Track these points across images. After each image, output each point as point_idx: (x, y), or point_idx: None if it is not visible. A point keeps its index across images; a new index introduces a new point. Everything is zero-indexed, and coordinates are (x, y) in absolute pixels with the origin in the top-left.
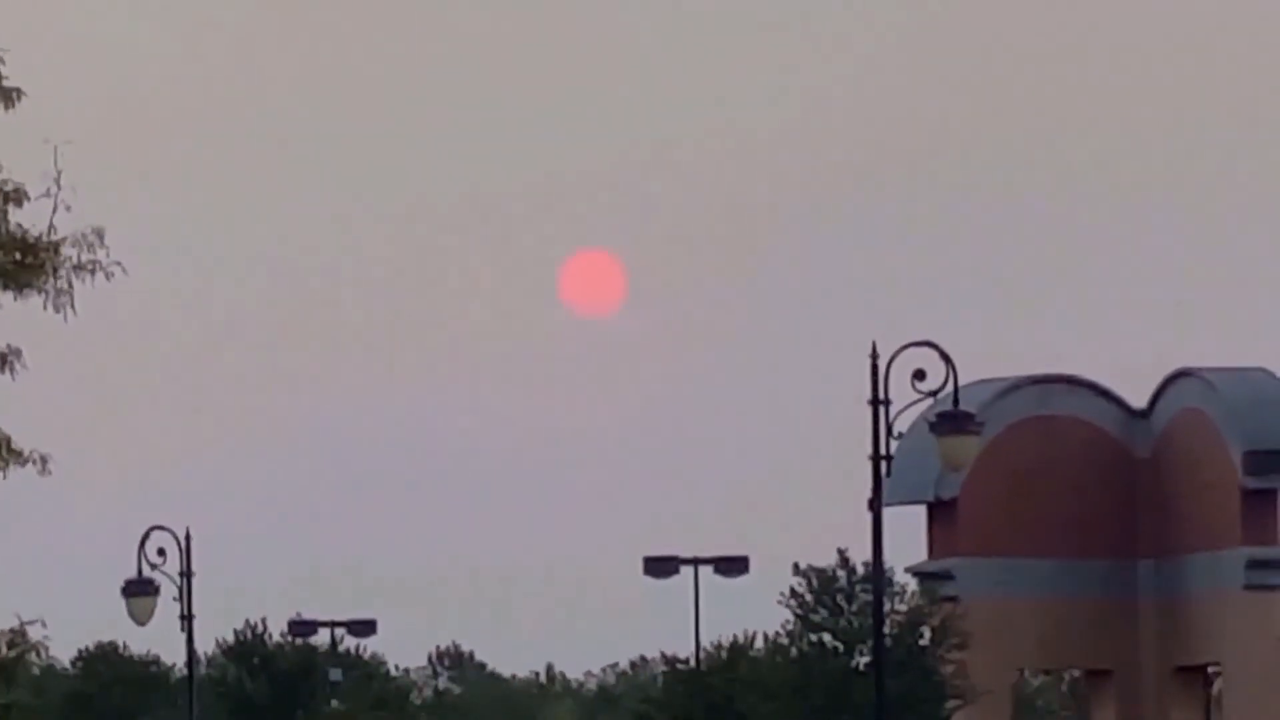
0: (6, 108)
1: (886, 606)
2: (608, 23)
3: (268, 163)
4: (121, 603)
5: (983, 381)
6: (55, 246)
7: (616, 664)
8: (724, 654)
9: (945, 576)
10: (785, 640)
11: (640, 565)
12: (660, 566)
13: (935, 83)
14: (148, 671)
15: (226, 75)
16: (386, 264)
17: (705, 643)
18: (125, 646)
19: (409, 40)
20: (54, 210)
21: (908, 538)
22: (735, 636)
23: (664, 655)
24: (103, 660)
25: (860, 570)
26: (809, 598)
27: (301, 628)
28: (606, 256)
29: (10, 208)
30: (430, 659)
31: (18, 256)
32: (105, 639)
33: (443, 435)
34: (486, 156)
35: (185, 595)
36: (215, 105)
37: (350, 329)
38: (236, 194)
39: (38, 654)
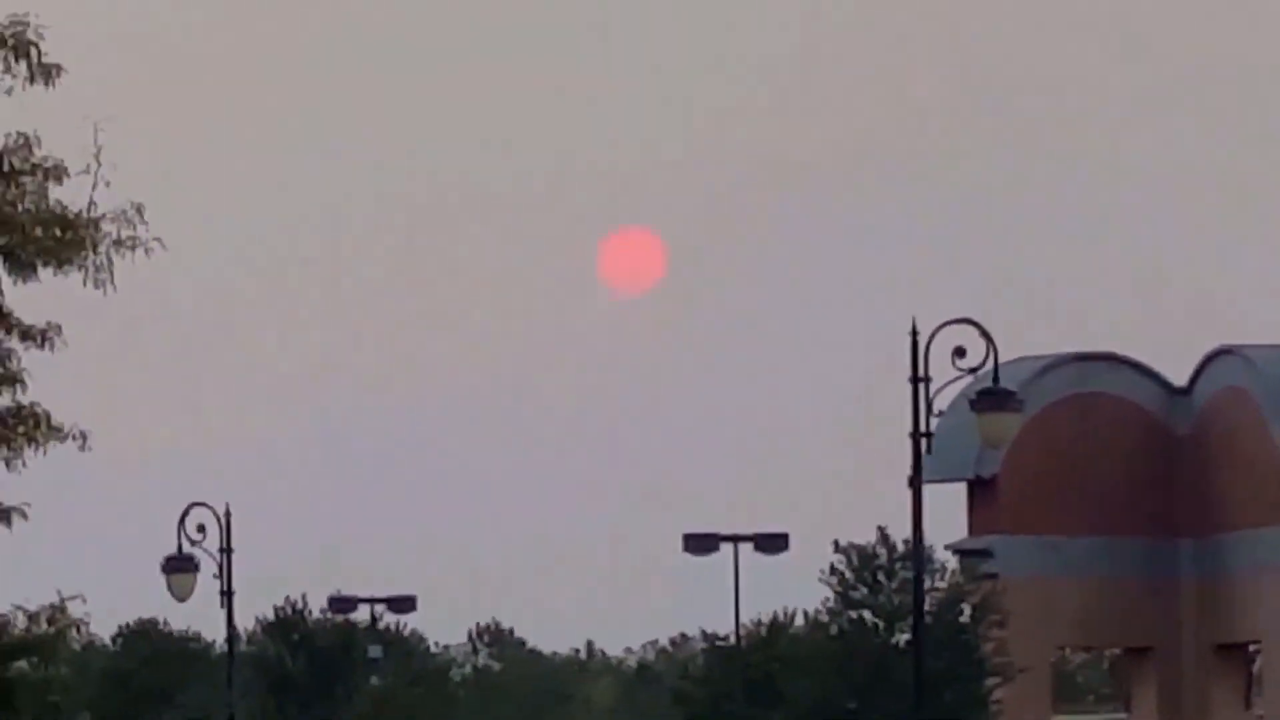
0: (46, 84)
1: (927, 584)
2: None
3: (307, 140)
4: (161, 579)
5: (1023, 359)
6: (95, 223)
7: (656, 641)
8: (764, 631)
9: (985, 554)
10: (825, 618)
11: (680, 542)
12: (700, 543)
13: (974, 62)
14: (187, 648)
15: (266, 50)
16: (425, 242)
17: (745, 620)
18: (165, 623)
19: (445, 20)
20: (94, 186)
21: (948, 515)
22: (775, 614)
23: (704, 632)
24: (143, 637)
25: (900, 547)
26: (849, 575)
27: (341, 604)
28: (646, 234)
29: (50, 184)
30: (470, 636)
31: (58, 232)
32: (145, 615)
33: (483, 412)
34: (522, 139)
35: (225, 572)
36: (255, 80)
37: (388, 307)
38: (277, 171)
39: (78, 630)
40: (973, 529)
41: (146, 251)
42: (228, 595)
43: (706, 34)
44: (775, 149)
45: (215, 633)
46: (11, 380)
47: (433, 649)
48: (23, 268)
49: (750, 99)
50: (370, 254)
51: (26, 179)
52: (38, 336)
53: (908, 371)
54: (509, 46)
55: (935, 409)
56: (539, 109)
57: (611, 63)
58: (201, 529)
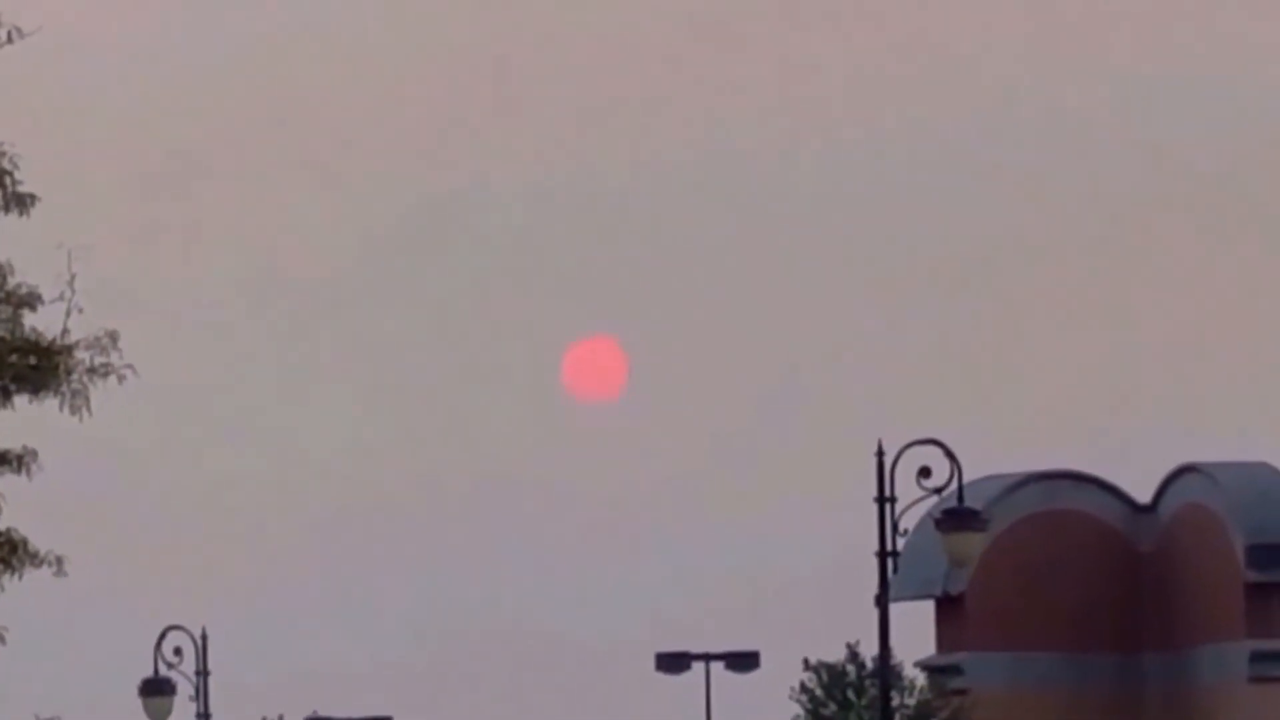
0: (20, 213)
1: (896, 700)
2: (604, 101)
3: (276, 266)
4: (139, 702)
5: (988, 478)
6: (69, 350)
7: None
8: None
9: (954, 670)
10: None
11: (652, 661)
12: (672, 662)
13: (938, 185)
14: None
15: (237, 178)
16: (394, 354)
17: None
18: None
19: (411, 129)
20: (67, 314)
21: (917, 632)
22: None
23: None
24: None
25: (869, 665)
26: (819, 692)
27: None
28: (610, 344)
29: (24, 312)
30: None
31: (32, 360)
32: None
33: (453, 531)
34: (489, 240)
35: (202, 694)
36: (227, 209)
37: (359, 428)
38: (248, 297)
39: None
40: (941, 646)
41: (120, 379)
42: (205, 718)
43: (670, 149)
44: (745, 266)
45: None
46: None
47: None
48: None
49: (714, 207)
50: (341, 378)
51: (0, 307)
52: (14, 462)
53: (874, 491)
54: (483, 159)
55: (902, 528)
56: (500, 210)
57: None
58: (178, 651)
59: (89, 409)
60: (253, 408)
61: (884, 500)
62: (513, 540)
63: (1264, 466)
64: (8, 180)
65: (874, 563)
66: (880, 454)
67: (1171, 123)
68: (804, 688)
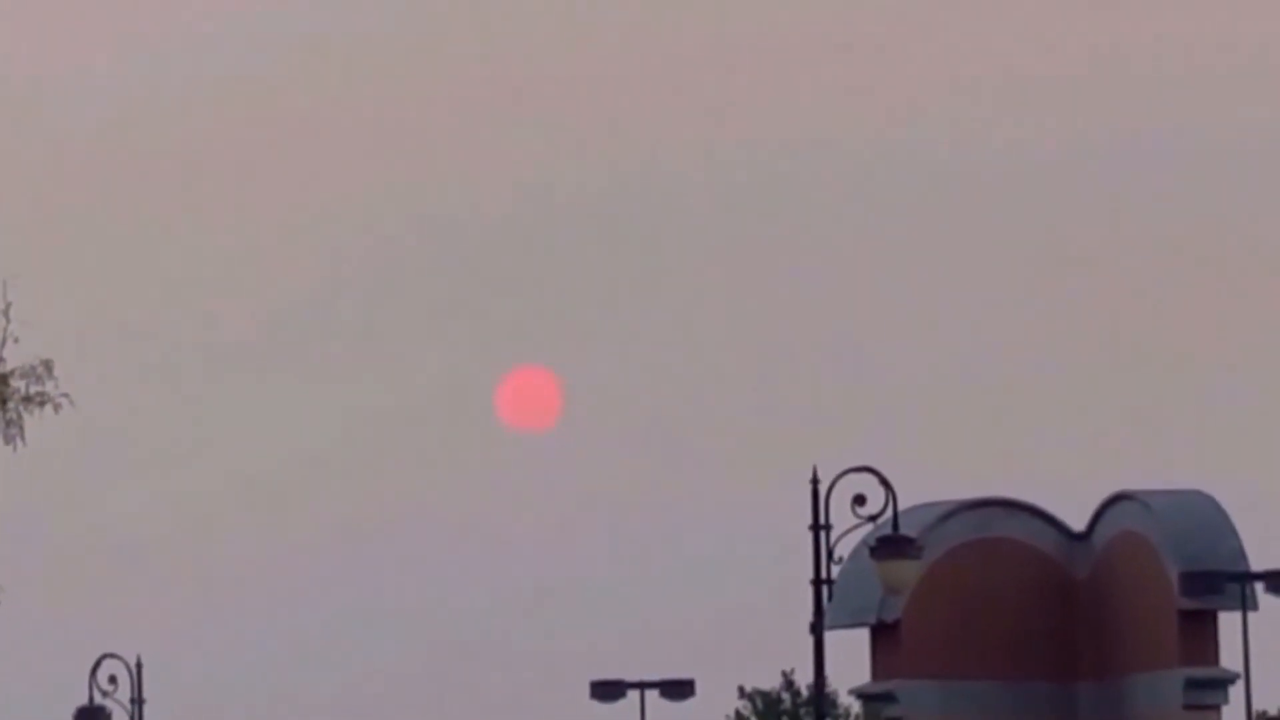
0: None
1: None
2: (543, 127)
3: (219, 291)
4: None
5: (923, 505)
6: (4, 379)
7: None
8: None
9: (888, 698)
10: None
11: (587, 689)
12: (606, 690)
13: (874, 206)
14: None
15: (179, 205)
16: (328, 379)
17: None
18: None
19: (347, 164)
20: (2, 343)
21: (851, 660)
22: None
23: None
24: None
25: (804, 692)
26: None
27: None
28: (544, 373)
29: None
30: None
31: None
32: None
33: (384, 560)
34: (425, 268)
35: None
36: (167, 236)
37: (291, 455)
38: (180, 321)
39: None
40: (876, 673)
41: (55, 408)
42: None
43: (594, 166)
44: (677, 292)
45: None
46: None
47: None
48: None
49: (646, 236)
50: (276, 407)
51: None
52: None
53: (809, 518)
54: (421, 186)
55: (837, 555)
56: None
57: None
58: (113, 680)
59: (23, 438)
60: (188, 435)
61: (819, 528)
62: (447, 569)
63: (1198, 494)
64: None
65: (809, 590)
66: (815, 481)
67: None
68: (739, 716)
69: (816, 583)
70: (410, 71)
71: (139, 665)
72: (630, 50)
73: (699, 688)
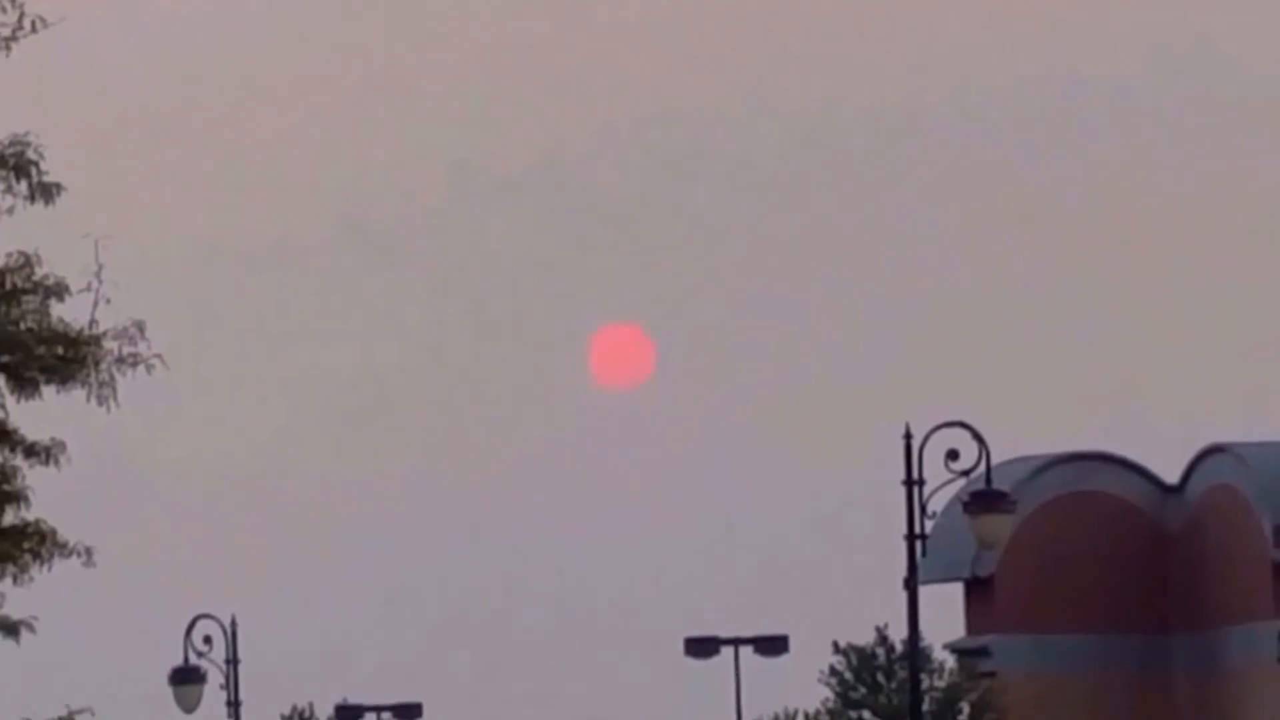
0: (46, 203)
1: (925, 683)
2: (639, 93)
3: (310, 253)
4: (169, 691)
5: (1016, 460)
6: (97, 340)
7: None
8: None
9: (982, 653)
10: (825, 718)
11: (681, 646)
12: (701, 647)
13: (967, 161)
14: None
15: (268, 166)
16: (423, 344)
17: None
18: None
19: (444, 121)
20: (95, 304)
21: (946, 614)
22: (776, 715)
23: None
24: None
25: (899, 648)
26: (848, 676)
27: (347, 712)
28: (637, 331)
29: (52, 302)
30: None
31: (60, 350)
32: None
33: (484, 517)
34: (518, 229)
35: (232, 682)
36: (257, 195)
37: (388, 415)
38: (280, 287)
39: None
40: (970, 628)
41: (148, 369)
42: (235, 705)
43: (698, 136)
44: (768, 251)
45: None
46: (15, 498)
47: None
48: (25, 385)
49: (738, 196)
50: (370, 364)
51: (28, 298)
52: (42, 453)
53: (902, 474)
54: (510, 149)
55: (930, 511)
56: (531, 201)
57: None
58: (208, 640)
59: (116, 399)
60: (280, 395)
61: (912, 483)
62: (541, 527)
63: None
64: (33, 170)
65: (903, 546)
66: (908, 437)
67: (1220, 111)
68: (833, 671)
69: (910, 538)
70: (491, 25)
71: (234, 625)
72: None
73: (792, 644)
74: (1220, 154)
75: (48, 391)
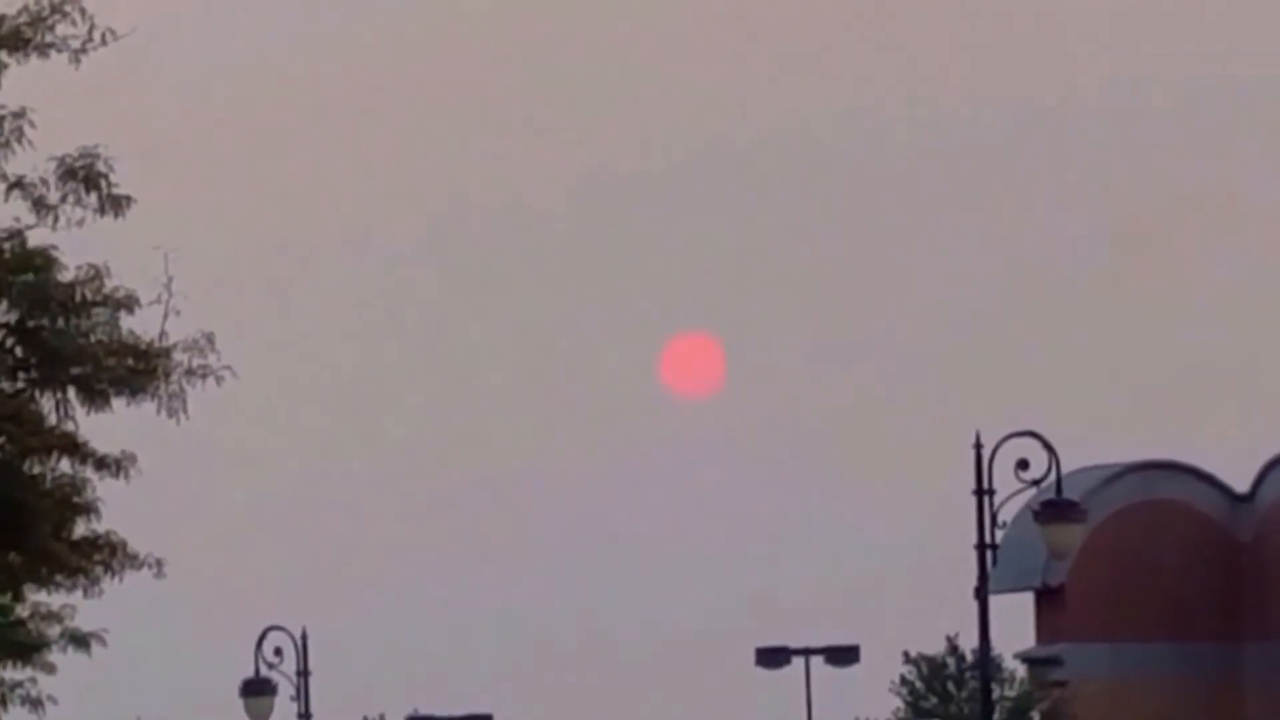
0: (116, 215)
1: (996, 692)
2: (710, 97)
3: (374, 266)
4: (240, 703)
5: (1086, 469)
6: (167, 352)
7: None
8: None
9: (1054, 662)
10: None
11: (752, 656)
12: (772, 657)
13: (1039, 173)
14: None
15: (334, 179)
16: (492, 350)
17: None
18: None
19: (519, 127)
20: (165, 316)
21: (1016, 624)
22: None
23: None
24: None
25: (969, 657)
26: (919, 685)
27: None
28: (706, 339)
29: (122, 314)
30: None
31: (130, 363)
32: None
33: (552, 530)
34: (588, 234)
35: (303, 694)
36: (322, 208)
37: (455, 426)
38: (345, 295)
39: None
40: (1041, 637)
41: (218, 380)
42: (306, 717)
43: (768, 142)
44: (839, 262)
45: None
46: (87, 510)
47: None
48: (96, 398)
49: (812, 204)
50: (438, 373)
51: (98, 310)
52: (112, 465)
53: (972, 484)
54: (575, 149)
55: (1000, 520)
56: (602, 207)
57: (673, 165)
58: (279, 652)
59: (186, 411)
60: (351, 407)
61: (982, 493)
62: (613, 537)
63: None
64: (103, 183)
65: (973, 555)
66: (978, 446)
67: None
68: (904, 681)
69: (980, 547)
70: (566, 26)
71: (305, 637)
72: (786, 6)
73: (863, 653)
74: None
75: (118, 404)
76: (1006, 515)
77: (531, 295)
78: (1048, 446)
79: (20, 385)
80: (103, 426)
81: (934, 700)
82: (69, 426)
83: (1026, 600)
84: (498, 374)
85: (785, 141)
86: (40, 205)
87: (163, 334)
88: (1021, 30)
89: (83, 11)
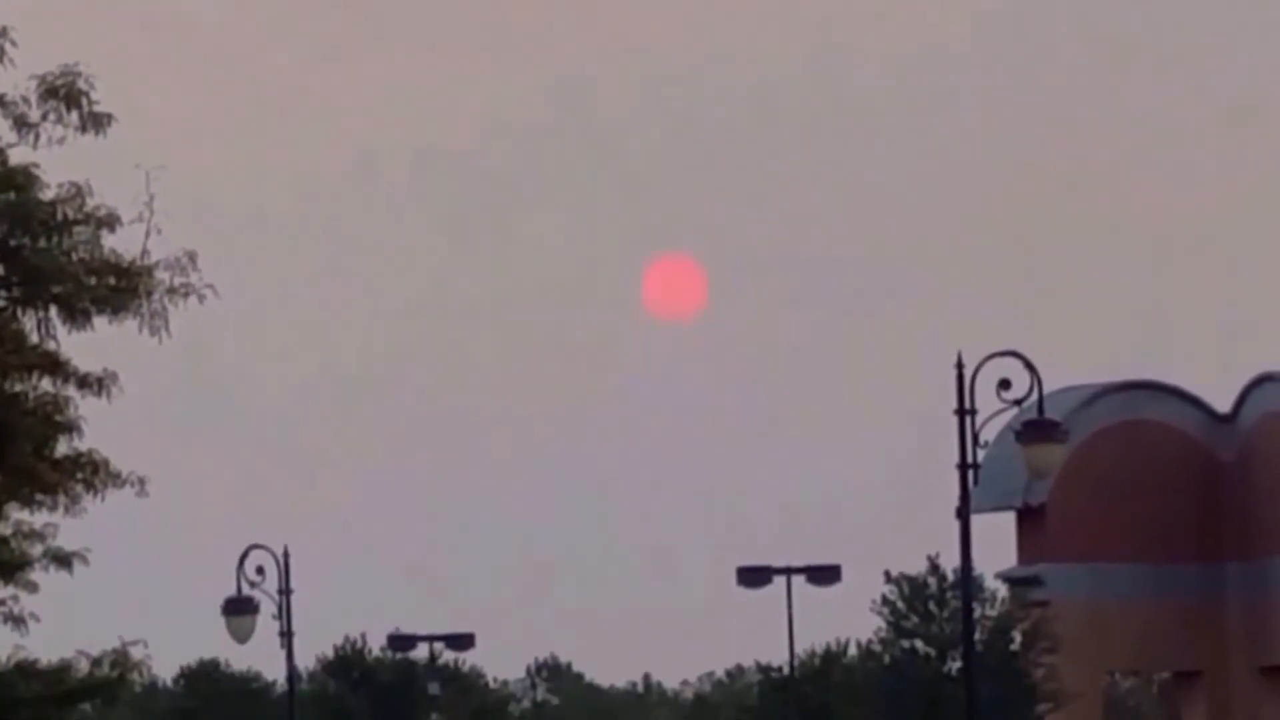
0: (97, 134)
1: (977, 612)
2: (691, 30)
3: (359, 181)
4: (222, 621)
5: (1068, 389)
6: (148, 271)
7: (713, 673)
8: (817, 661)
9: (1035, 581)
10: (878, 647)
11: (734, 575)
12: (754, 576)
13: (1016, 102)
14: (249, 688)
15: (321, 96)
16: (476, 272)
17: (799, 651)
18: (226, 664)
19: (495, 58)
20: (147, 235)
21: (997, 544)
22: (828, 644)
23: (759, 664)
24: (204, 678)
25: (950, 577)
26: (900, 605)
27: (400, 642)
28: (688, 261)
29: (103, 233)
30: (528, 671)
31: (112, 281)
32: (206, 657)
33: (535, 450)
34: (571, 156)
35: (284, 612)
36: (307, 125)
37: (437, 345)
38: (327, 212)
39: (139, 673)
40: (1022, 557)
41: (200, 298)
42: (288, 636)
43: (747, 58)
44: (818, 181)
45: (276, 672)
46: (69, 428)
47: (491, 685)
48: (77, 316)
49: (792, 126)
50: (420, 292)
51: (79, 228)
52: (94, 384)
53: (954, 404)
54: (552, 79)
55: (982, 440)
56: (584, 133)
57: (656, 84)
58: (260, 571)
59: (168, 330)
60: (333, 328)
61: (964, 412)
62: (593, 457)
63: None
64: (84, 101)
65: (954, 475)
66: (960, 367)
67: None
68: (885, 600)
69: (962, 467)
70: None
71: (286, 556)
72: None
73: (845, 573)
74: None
75: (100, 322)
76: (988, 435)
77: (514, 217)
78: (1029, 366)
79: (1, 304)
80: (84, 345)
81: (915, 619)
82: (50, 345)
83: (1008, 520)
84: (481, 295)
85: (767, 66)
86: (21, 123)
87: (144, 252)
88: None
89: None
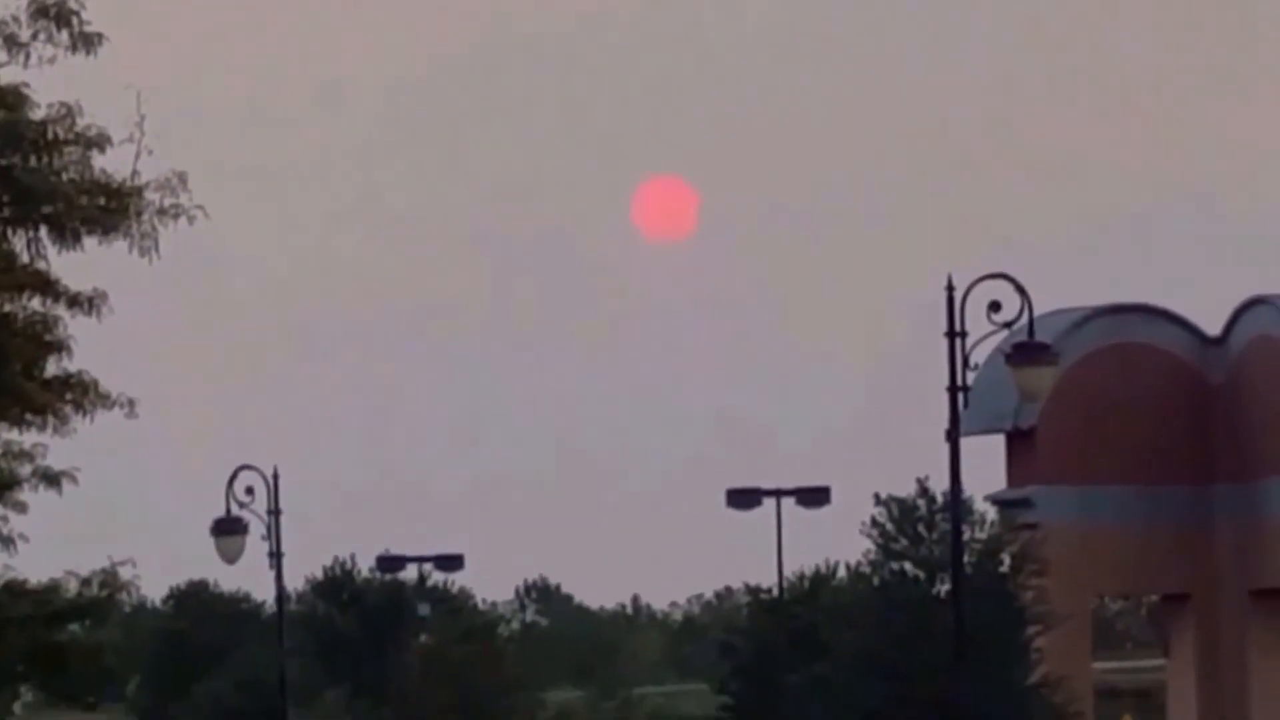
0: (88, 53)
1: (966, 534)
2: None
3: (351, 105)
4: (211, 541)
5: (1058, 311)
6: (139, 191)
7: (702, 595)
8: (807, 584)
9: (1024, 504)
10: (867, 570)
11: (723, 498)
12: (743, 498)
13: (1006, 26)
14: (238, 608)
15: (313, 16)
16: (463, 193)
17: (788, 573)
18: (216, 584)
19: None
20: (137, 155)
21: (987, 466)
22: (817, 566)
23: (748, 586)
24: (194, 598)
25: (940, 499)
26: (890, 527)
27: (389, 563)
28: (679, 183)
29: (93, 153)
30: (517, 592)
31: (102, 201)
32: (196, 577)
33: (526, 370)
34: (560, 77)
35: (274, 533)
36: (299, 47)
37: (430, 265)
38: (320, 136)
39: (128, 594)
40: (1011, 480)
41: (190, 219)
42: (277, 556)
43: None
44: (811, 101)
45: (265, 593)
46: (58, 348)
47: (480, 606)
48: (67, 236)
49: (781, 46)
50: (410, 215)
51: (70, 148)
52: (84, 304)
53: (944, 326)
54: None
55: (972, 363)
56: (578, 61)
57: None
58: (250, 491)
59: (158, 251)
60: (321, 245)
61: (954, 335)
62: (583, 378)
63: None
64: (74, 20)
65: (944, 397)
66: (950, 289)
67: None
68: (874, 522)
69: (952, 390)
70: None
71: (276, 476)
72: None
73: (834, 495)
74: None
75: (89, 243)
76: (978, 357)
77: (503, 138)
78: (1020, 289)
79: None
80: (74, 265)
81: (904, 542)
82: (40, 265)
83: (997, 442)
84: (469, 216)
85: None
86: (11, 43)
87: (135, 173)
88: None
89: None
